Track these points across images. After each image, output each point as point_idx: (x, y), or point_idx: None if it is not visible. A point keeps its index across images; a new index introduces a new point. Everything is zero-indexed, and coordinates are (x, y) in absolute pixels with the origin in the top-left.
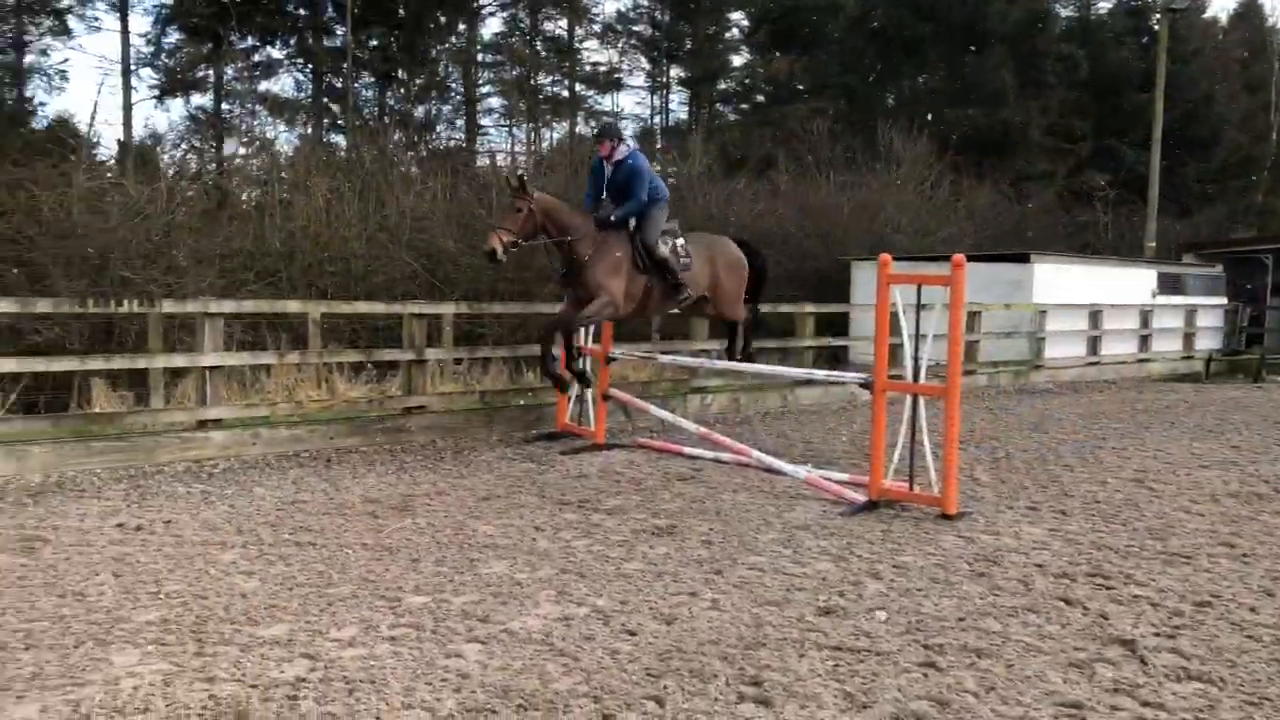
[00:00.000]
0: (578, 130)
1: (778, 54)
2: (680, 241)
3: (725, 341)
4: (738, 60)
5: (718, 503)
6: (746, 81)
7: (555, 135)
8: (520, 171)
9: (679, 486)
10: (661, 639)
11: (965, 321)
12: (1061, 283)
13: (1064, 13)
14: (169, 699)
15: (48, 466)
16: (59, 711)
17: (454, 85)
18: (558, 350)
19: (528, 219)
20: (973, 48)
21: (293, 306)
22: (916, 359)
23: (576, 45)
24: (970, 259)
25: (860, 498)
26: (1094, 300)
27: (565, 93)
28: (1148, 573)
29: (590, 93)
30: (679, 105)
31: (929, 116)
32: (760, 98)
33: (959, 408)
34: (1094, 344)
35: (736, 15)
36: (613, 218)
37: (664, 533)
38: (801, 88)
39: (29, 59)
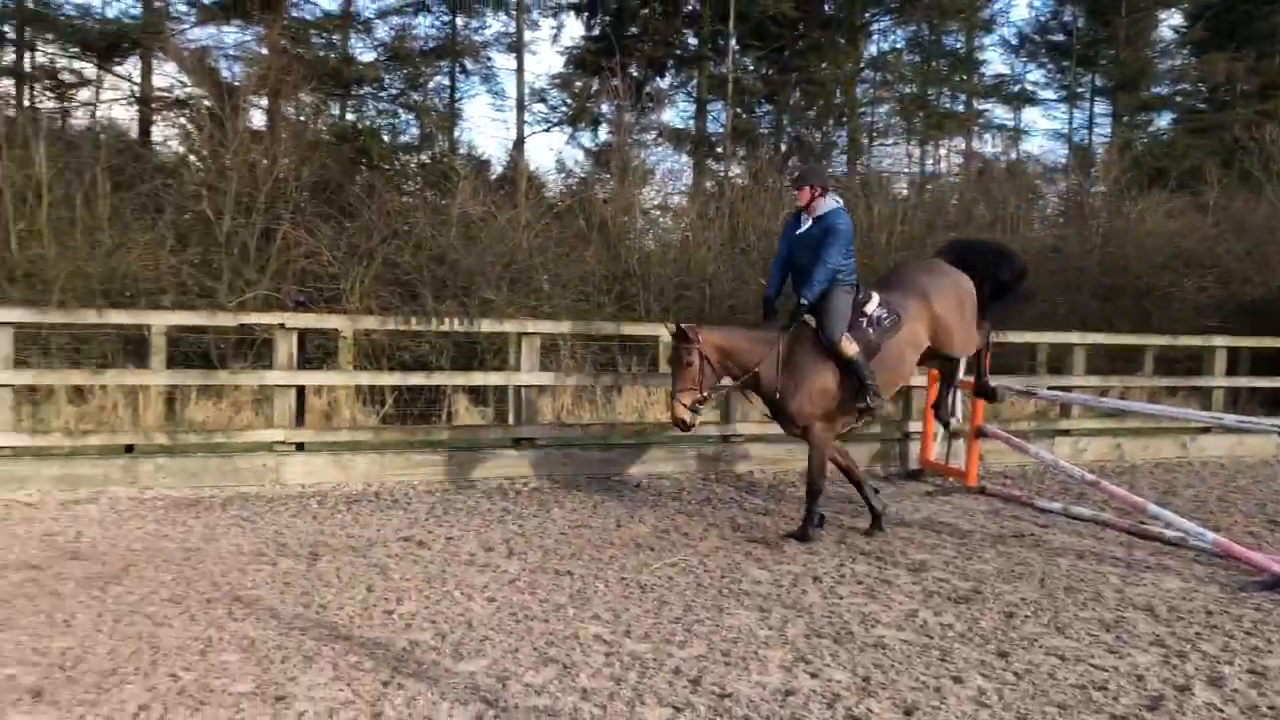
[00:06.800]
0: (973, 145)
1: (1215, 53)
2: (875, 304)
3: (1104, 378)
4: (1165, 64)
5: (1048, 567)
6: (1177, 86)
7: (944, 152)
8: (677, 322)
9: (1009, 544)
10: None
11: None
12: None
13: None
14: None
15: (369, 476)
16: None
17: (838, 105)
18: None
19: (702, 368)
20: None
21: (608, 328)
22: None
23: (976, 57)
24: None
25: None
26: None
27: (960, 107)
28: None
29: (987, 106)
30: (1099, 117)
31: None
32: (1194, 104)
33: None
34: None
35: (1165, 13)
36: (802, 301)
37: (960, 599)
38: (1245, 89)
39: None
